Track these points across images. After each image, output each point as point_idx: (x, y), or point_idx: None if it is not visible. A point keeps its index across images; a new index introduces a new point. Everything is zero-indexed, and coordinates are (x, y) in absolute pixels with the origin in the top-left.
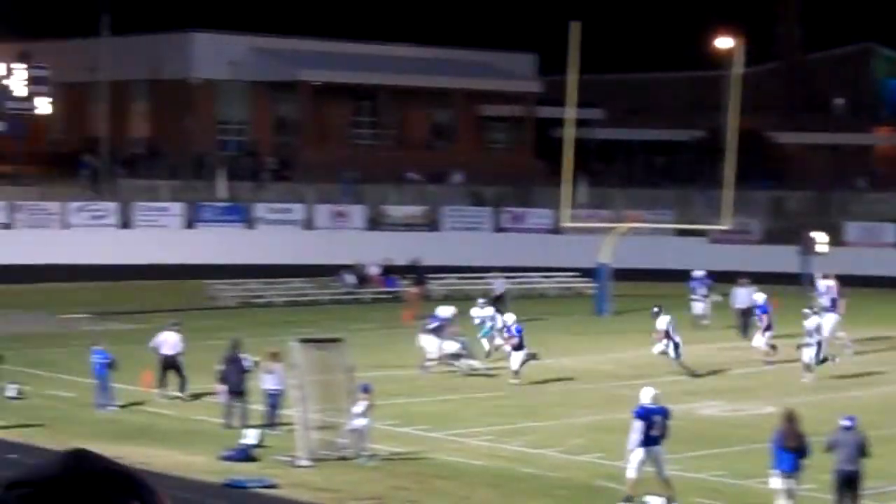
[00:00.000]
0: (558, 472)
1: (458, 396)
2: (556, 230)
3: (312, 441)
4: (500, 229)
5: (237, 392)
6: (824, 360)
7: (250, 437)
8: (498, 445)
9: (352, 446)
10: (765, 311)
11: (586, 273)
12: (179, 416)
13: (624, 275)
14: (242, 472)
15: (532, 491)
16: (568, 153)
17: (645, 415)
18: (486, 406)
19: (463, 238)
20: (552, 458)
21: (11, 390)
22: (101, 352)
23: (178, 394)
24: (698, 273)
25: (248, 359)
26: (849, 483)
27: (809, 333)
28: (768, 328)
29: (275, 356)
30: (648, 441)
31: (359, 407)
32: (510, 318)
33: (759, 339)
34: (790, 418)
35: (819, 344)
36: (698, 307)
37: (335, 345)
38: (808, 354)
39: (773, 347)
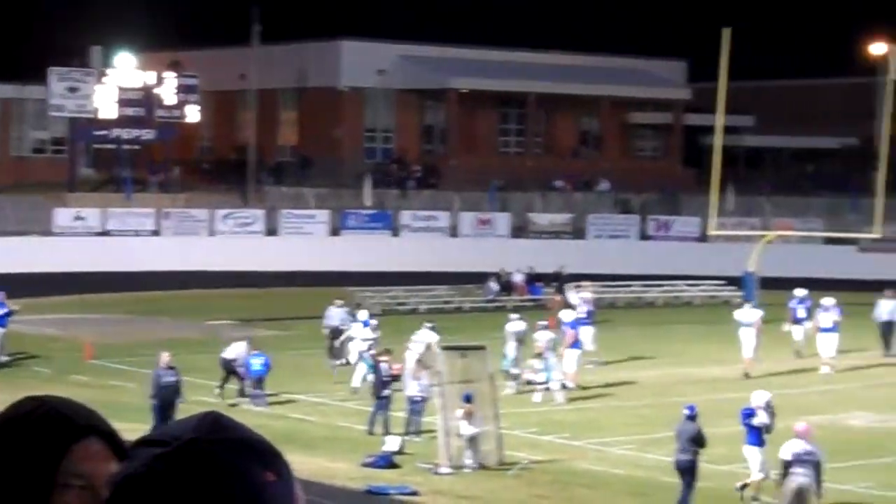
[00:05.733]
0: (702, 482)
1: (599, 405)
2: (703, 238)
3: (454, 448)
4: (646, 237)
5: (378, 398)
6: None
7: (392, 444)
8: (640, 455)
9: (475, 456)
10: None
11: (733, 282)
12: (324, 422)
13: (771, 283)
14: (384, 479)
15: (674, 501)
16: (716, 161)
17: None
18: (628, 415)
19: (609, 246)
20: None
21: None
22: (262, 354)
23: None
24: (800, 292)
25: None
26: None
27: None
28: None
29: (421, 363)
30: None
31: (459, 415)
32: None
33: None
34: None
35: None
36: (798, 333)
37: (478, 352)
38: None
39: None
